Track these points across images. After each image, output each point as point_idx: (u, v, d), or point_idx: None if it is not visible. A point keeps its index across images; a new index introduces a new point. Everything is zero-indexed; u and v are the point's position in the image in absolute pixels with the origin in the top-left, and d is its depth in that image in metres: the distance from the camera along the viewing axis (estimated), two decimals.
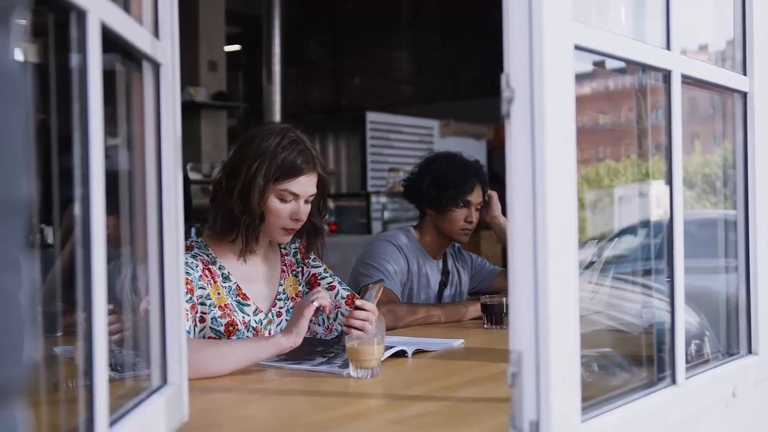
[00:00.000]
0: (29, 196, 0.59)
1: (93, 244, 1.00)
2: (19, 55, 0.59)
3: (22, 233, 0.58)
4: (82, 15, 0.98)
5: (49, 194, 1.05)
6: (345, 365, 1.91)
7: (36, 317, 0.61)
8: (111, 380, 1.06)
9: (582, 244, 1.29)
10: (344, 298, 2.35)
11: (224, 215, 2.20)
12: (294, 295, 2.36)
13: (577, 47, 1.24)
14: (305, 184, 2.20)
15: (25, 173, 0.58)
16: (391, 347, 2.08)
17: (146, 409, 1.24)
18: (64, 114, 1.04)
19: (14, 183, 0.57)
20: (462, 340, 2.36)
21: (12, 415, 0.56)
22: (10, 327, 0.56)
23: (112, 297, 1.09)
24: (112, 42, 1.11)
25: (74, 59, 1.01)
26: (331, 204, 7.67)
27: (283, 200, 2.19)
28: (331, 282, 2.40)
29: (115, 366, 1.32)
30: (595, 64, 1.48)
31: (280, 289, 2.34)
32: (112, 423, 1.09)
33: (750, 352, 1.81)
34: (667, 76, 1.51)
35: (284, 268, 2.38)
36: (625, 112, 2.06)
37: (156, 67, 1.34)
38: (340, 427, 1.50)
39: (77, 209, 1.00)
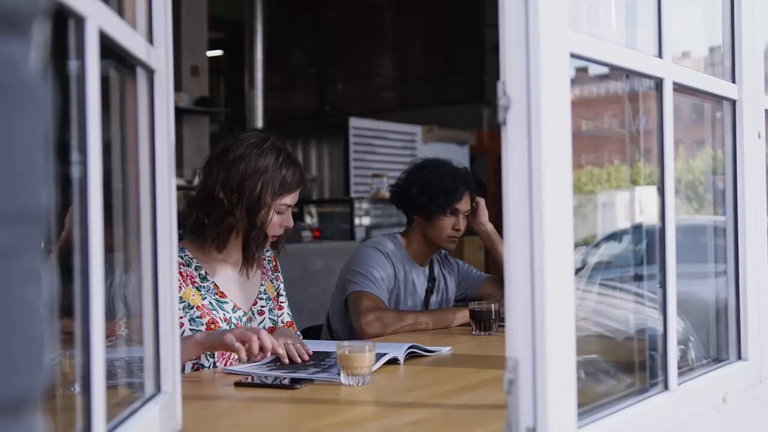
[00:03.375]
0: (48, 205, 0.59)
1: (90, 251, 1.00)
2: (39, 63, 0.59)
3: (41, 242, 0.58)
4: (80, 21, 0.98)
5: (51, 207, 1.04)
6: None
7: (54, 327, 0.60)
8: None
9: None
10: (284, 323, 2.44)
11: (227, 230, 2.26)
12: (273, 297, 2.46)
13: (573, 55, 1.24)
14: (297, 195, 2.35)
15: (46, 182, 0.58)
16: (384, 354, 2.08)
17: (141, 418, 1.23)
18: (59, 120, 1.03)
19: (36, 192, 0.56)
20: (450, 348, 2.36)
21: (32, 425, 0.56)
22: (32, 337, 0.56)
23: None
24: (106, 48, 1.10)
25: (71, 65, 1.01)
26: (314, 210, 7.66)
27: (279, 213, 2.30)
28: (283, 303, 2.51)
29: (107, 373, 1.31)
30: (578, 69, 1.48)
31: (261, 288, 2.42)
32: None
33: (739, 357, 1.82)
34: (659, 83, 1.52)
35: (264, 270, 2.46)
36: (607, 118, 2.07)
37: (150, 73, 1.33)
38: None
39: (76, 216, 0.99)
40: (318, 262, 5.92)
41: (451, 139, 8.47)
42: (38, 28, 0.58)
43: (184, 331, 2.17)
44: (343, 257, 3.13)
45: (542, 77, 1.15)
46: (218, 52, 10.36)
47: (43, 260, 0.59)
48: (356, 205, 7.45)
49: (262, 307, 2.40)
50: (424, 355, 2.23)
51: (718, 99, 1.83)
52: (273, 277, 2.49)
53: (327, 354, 2.18)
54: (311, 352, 2.15)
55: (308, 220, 7.46)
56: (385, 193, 7.13)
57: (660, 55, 1.52)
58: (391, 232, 3.25)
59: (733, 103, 1.82)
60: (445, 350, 2.34)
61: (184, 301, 2.19)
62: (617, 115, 1.95)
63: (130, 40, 1.20)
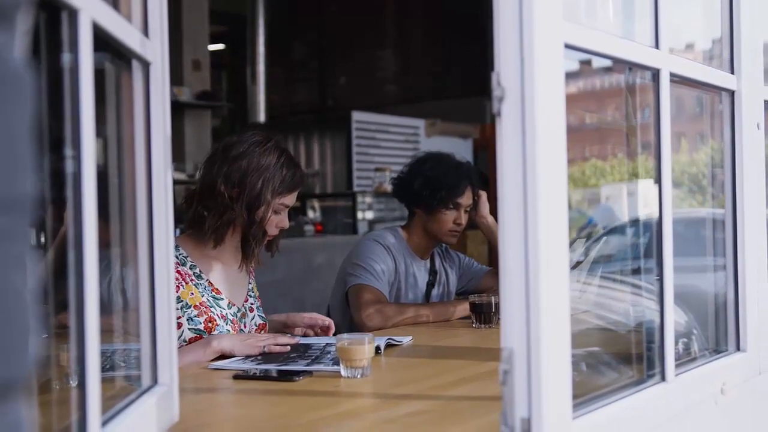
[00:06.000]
0: (33, 193, 0.59)
1: (85, 245, 1.00)
2: (23, 53, 0.59)
3: (27, 231, 0.59)
4: (73, 14, 0.98)
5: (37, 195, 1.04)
6: (336, 362, 1.91)
7: (40, 314, 0.61)
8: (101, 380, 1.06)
9: (569, 243, 1.30)
10: (256, 326, 2.44)
11: (225, 224, 2.28)
12: (257, 296, 2.50)
13: (568, 46, 1.24)
14: (295, 196, 2.38)
15: (30, 171, 0.58)
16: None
17: (137, 410, 1.23)
18: (53, 113, 1.03)
19: (20, 181, 0.57)
20: (410, 337, 2.40)
21: (17, 412, 0.56)
22: (17, 324, 0.56)
23: (100, 298, 1.09)
24: (101, 41, 1.10)
25: (65, 58, 1.01)
26: (316, 204, 7.66)
27: (276, 212, 2.32)
28: (258, 304, 2.50)
29: (103, 366, 1.32)
30: (582, 62, 1.48)
31: (250, 287, 2.46)
32: (104, 423, 1.08)
33: (738, 349, 1.82)
34: (656, 74, 1.51)
35: (251, 269, 2.49)
36: (611, 111, 2.07)
37: (146, 66, 1.34)
38: (332, 427, 1.50)
39: (69, 210, 0.99)
40: (320, 257, 5.92)
41: (454, 132, 8.46)
42: (22, 18, 0.58)
43: (183, 332, 2.19)
44: (346, 251, 3.14)
45: (536, 68, 1.15)
46: (220, 46, 10.35)
47: (30, 248, 0.59)
48: (359, 199, 7.44)
49: (251, 304, 2.44)
50: (396, 345, 2.29)
51: (716, 90, 1.83)
52: (254, 277, 2.54)
53: (308, 346, 2.22)
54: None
55: (311, 214, 7.46)
56: (388, 187, 7.14)
57: (657, 46, 1.52)
58: (393, 225, 3.25)
59: (732, 94, 1.82)
60: (407, 340, 2.37)
61: (182, 301, 2.21)
62: (621, 107, 1.94)
63: (125, 32, 1.20)
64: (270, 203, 2.28)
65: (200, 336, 2.21)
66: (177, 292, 2.20)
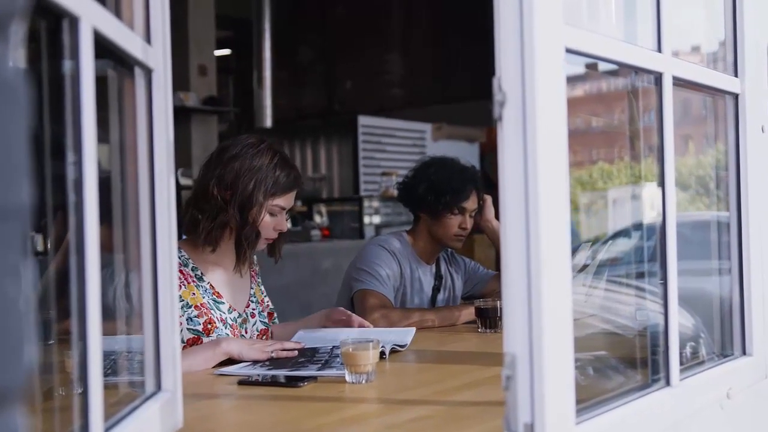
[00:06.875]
0: (29, 202, 0.59)
1: (87, 251, 1.00)
2: (18, 63, 0.59)
3: (22, 239, 0.59)
4: (74, 21, 0.98)
5: (39, 201, 1.05)
6: (343, 367, 1.91)
7: (35, 323, 0.61)
8: (104, 386, 1.06)
9: (575, 246, 1.29)
10: (258, 331, 2.44)
11: (219, 227, 2.28)
12: (260, 301, 2.48)
13: (569, 50, 1.24)
14: (292, 198, 2.36)
15: (26, 180, 0.59)
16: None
17: (141, 416, 1.23)
18: (54, 120, 1.04)
19: (15, 189, 0.57)
20: (413, 329, 2.40)
21: (12, 420, 0.56)
22: (11, 332, 0.56)
23: (105, 304, 1.09)
24: (103, 48, 1.11)
25: (66, 65, 1.01)
26: (323, 209, 7.66)
27: (272, 214, 2.32)
28: (260, 310, 2.49)
29: (106, 372, 1.32)
30: (588, 66, 1.48)
31: (251, 292, 2.45)
32: (107, 429, 1.09)
33: (744, 353, 1.81)
34: (658, 78, 1.51)
35: (252, 274, 2.49)
36: (618, 114, 2.07)
37: (148, 73, 1.34)
38: None
39: (71, 216, 1.00)
40: (327, 261, 5.92)
41: (461, 136, 8.46)
42: (17, 27, 0.59)
43: (182, 331, 2.20)
44: (353, 256, 3.14)
45: (537, 73, 1.15)
46: (226, 51, 10.36)
47: (26, 257, 0.59)
48: (365, 203, 7.44)
49: (253, 310, 2.44)
50: (401, 342, 2.28)
51: (720, 93, 1.82)
52: (259, 281, 2.53)
53: (315, 350, 2.21)
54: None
55: (317, 218, 7.46)
56: (395, 191, 7.14)
57: (659, 50, 1.51)
58: (399, 230, 3.25)
59: (736, 97, 1.81)
60: (410, 336, 2.36)
61: (183, 300, 2.22)
62: (627, 111, 1.94)
63: (127, 39, 1.20)
64: (263, 204, 2.27)
65: (198, 337, 2.21)
66: (178, 291, 2.20)
